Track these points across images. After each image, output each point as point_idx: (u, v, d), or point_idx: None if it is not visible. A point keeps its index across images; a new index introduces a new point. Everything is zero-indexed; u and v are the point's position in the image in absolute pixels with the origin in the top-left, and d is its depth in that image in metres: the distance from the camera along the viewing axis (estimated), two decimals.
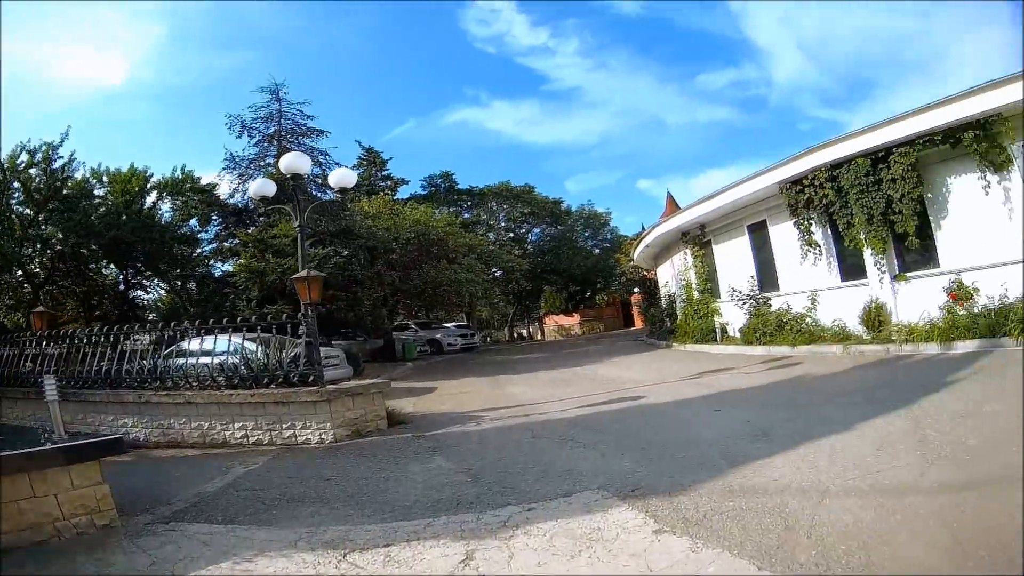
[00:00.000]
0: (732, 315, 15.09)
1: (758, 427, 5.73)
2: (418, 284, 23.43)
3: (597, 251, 40.80)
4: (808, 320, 12.40)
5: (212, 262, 23.57)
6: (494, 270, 34.47)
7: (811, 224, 12.40)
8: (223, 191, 22.82)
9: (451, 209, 33.57)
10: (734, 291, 14.43)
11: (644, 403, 8.05)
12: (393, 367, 19.83)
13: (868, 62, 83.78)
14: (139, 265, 21.46)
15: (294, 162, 8.53)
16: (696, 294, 16.99)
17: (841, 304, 11.80)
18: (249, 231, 20.42)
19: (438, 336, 28.29)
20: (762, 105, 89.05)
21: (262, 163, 21.56)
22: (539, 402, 9.10)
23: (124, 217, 19.28)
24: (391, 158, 33.62)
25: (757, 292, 14.12)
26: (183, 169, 21.98)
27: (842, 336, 11.33)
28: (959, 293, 9.63)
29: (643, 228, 47.07)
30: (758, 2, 74.77)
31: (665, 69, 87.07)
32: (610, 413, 7.55)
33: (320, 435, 7.02)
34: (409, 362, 22.19)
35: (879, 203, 10.70)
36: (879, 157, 10.75)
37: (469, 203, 37.81)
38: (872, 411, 5.71)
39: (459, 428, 7.51)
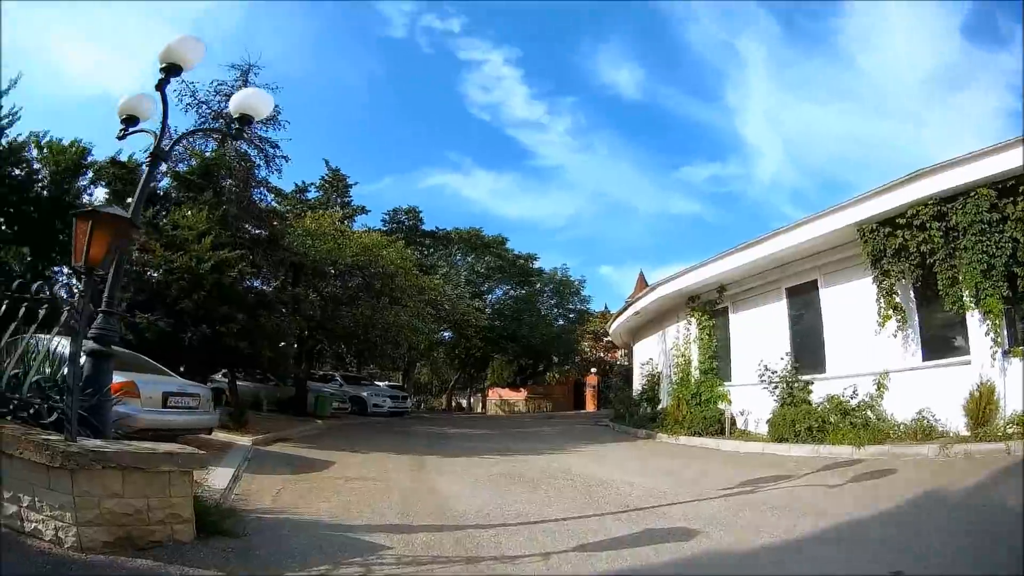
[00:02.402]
0: (750, 402, 11.46)
1: None
2: (348, 323, 19.10)
3: (561, 322, 37.12)
4: (869, 412, 8.98)
5: None
6: (443, 330, 30.23)
7: (895, 282, 9.12)
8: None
9: (411, 249, 29.39)
10: (767, 370, 10.81)
11: (711, 550, 4.05)
12: (296, 423, 15.26)
13: (847, 163, 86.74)
14: (54, 255, 16.86)
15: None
16: (696, 374, 13.38)
17: (920, 391, 8.58)
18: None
19: (364, 394, 23.75)
20: (737, 201, 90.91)
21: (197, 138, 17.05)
22: (490, 523, 4.97)
23: (45, 192, 15.03)
24: (356, 183, 29.78)
25: (791, 374, 10.59)
26: (131, 157, 17.52)
27: (927, 433, 8.06)
28: None
29: (606, 308, 44.17)
30: (752, 100, 77.06)
31: (648, 157, 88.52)
32: None
33: (56, 530, 3.41)
34: (320, 419, 17.55)
35: (1004, 249, 7.64)
36: (1006, 188, 7.76)
37: (431, 247, 33.71)
38: None
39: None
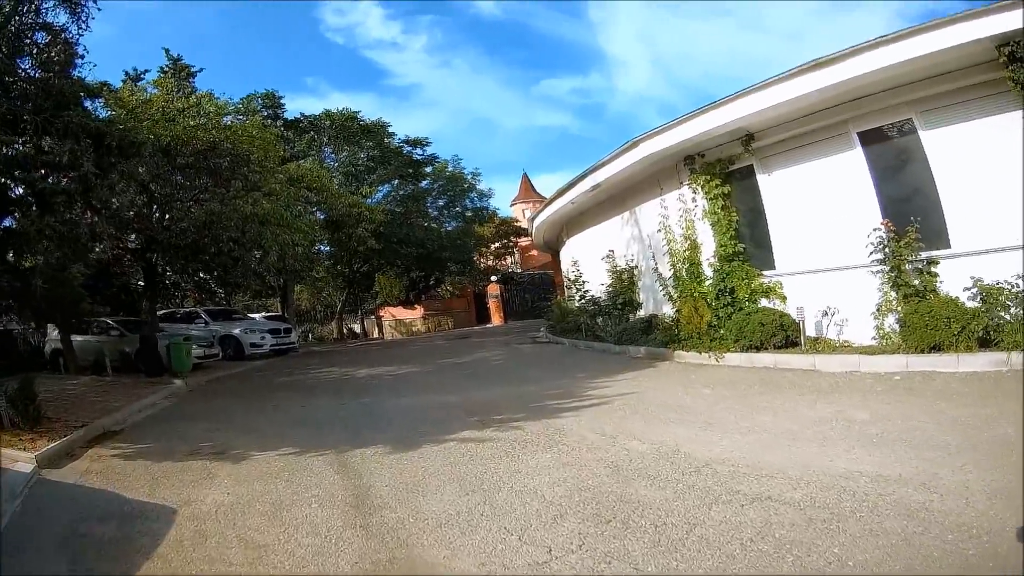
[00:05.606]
0: (827, 296, 8.14)
1: None
2: (188, 227, 13.15)
3: (455, 224, 32.42)
4: None
5: None
6: (322, 240, 24.55)
7: None
8: None
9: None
10: (880, 245, 7.33)
11: None
12: (141, 392, 9.95)
13: (721, 79, 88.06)
14: None
15: None
16: (716, 262, 9.77)
17: None
18: None
19: (236, 331, 18.21)
20: (602, 112, 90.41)
21: None
22: None
23: None
24: (202, 70, 22.39)
25: (906, 252, 7.19)
26: None
27: None
28: None
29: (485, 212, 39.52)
30: (620, 16, 73.86)
31: (510, 72, 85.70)
32: None
33: None
34: (177, 379, 12.00)
35: None
36: None
37: (296, 139, 27.09)
38: None
39: None
